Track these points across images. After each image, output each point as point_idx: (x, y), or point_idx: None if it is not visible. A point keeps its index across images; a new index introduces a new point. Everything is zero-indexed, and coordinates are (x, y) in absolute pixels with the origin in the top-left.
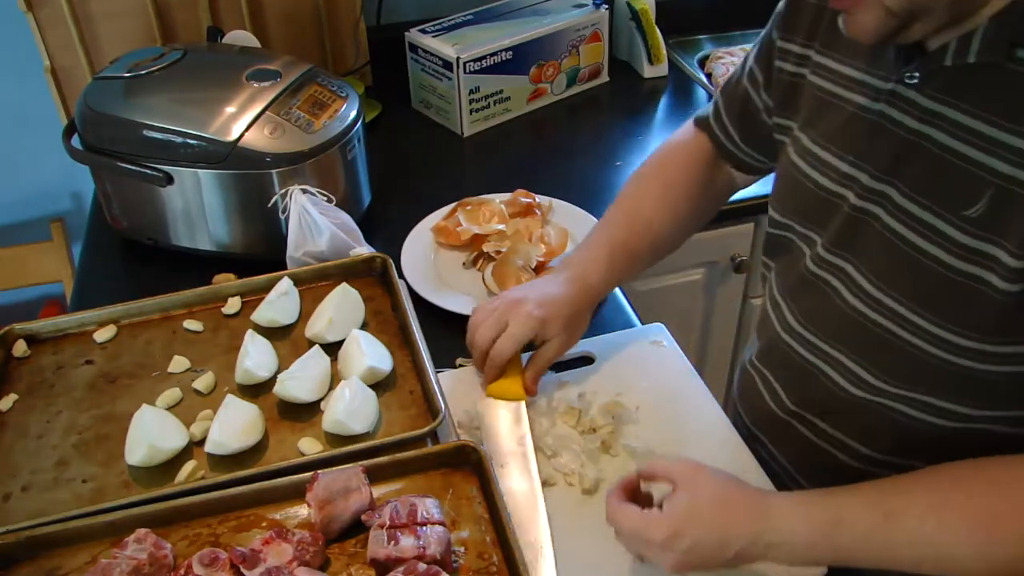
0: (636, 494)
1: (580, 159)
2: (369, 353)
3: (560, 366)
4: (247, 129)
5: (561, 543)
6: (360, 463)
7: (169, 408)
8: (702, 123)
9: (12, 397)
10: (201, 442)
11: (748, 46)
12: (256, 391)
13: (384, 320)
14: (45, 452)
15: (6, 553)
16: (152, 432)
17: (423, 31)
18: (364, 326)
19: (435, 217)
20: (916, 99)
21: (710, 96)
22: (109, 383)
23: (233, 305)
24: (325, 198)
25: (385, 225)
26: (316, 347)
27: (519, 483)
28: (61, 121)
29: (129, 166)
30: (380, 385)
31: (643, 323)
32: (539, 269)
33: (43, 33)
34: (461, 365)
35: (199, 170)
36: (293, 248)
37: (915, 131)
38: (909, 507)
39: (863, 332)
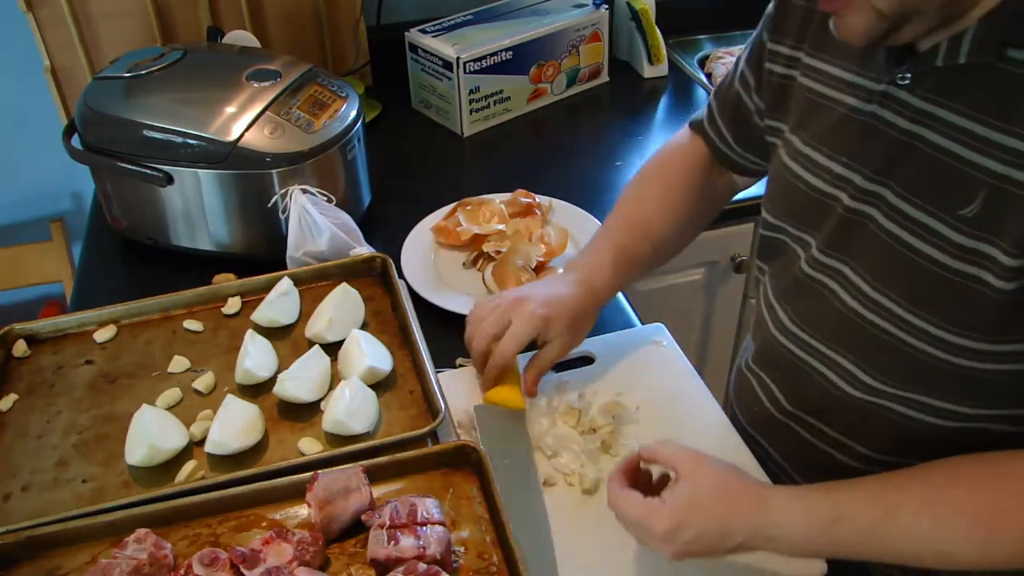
0: (636, 473)
1: (580, 159)
2: (369, 353)
3: (560, 366)
4: (247, 129)
5: (561, 543)
6: (360, 463)
7: (169, 408)
8: (697, 126)
9: (12, 397)
10: (201, 442)
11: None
12: (256, 391)
13: (384, 320)
14: (45, 452)
15: (6, 553)
16: (152, 432)
17: (423, 31)
18: (364, 326)
19: (435, 217)
20: (908, 100)
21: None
22: (109, 383)
23: (233, 305)
24: (325, 198)
25: (385, 225)
26: (316, 347)
27: (519, 483)
28: (61, 121)
29: (129, 166)
30: (380, 385)
31: (643, 323)
32: (539, 269)
33: (43, 33)
34: (461, 365)
35: (199, 170)
36: (293, 248)
37: (908, 132)
38: (907, 502)
39: (860, 333)
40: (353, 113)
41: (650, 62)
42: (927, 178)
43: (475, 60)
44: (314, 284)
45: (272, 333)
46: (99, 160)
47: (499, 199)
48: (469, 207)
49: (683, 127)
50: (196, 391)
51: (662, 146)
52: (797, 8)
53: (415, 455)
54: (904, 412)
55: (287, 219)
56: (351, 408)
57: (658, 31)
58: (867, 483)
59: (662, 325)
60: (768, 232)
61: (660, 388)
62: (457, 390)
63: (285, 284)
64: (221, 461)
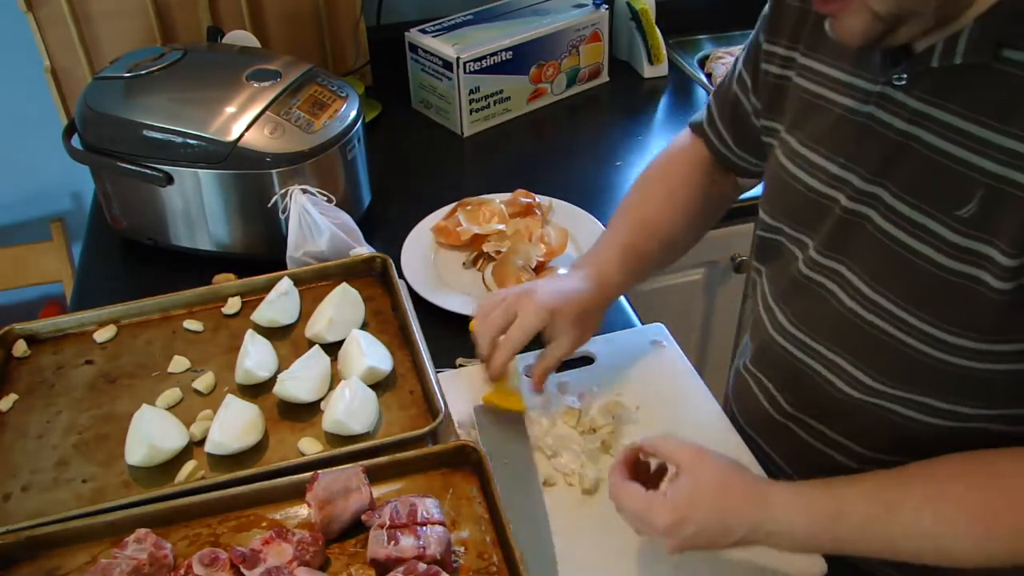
0: (636, 464)
1: (580, 159)
2: (369, 353)
3: (560, 366)
4: (247, 129)
5: (561, 543)
6: (360, 463)
7: (169, 408)
8: (697, 128)
9: (12, 397)
10: (201, 442)
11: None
12: (256, 391)
13: (384, 320)
14: (45, 452)
15: (6, 553)
16: (152, 432)
17: (423, 31)
18: (364, 326)
19: (435, 217)
20: (905, 101)
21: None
22: (109, 383)
23: (233, 305)
24: (325, 198)
25: (385, 225)
26: (316, 347)
27: (519, 483)
28: (61, 121)
29: (129, 166)
30: (380, 385)
31: (643, 323)
32: (539, 269)
33: (43, 33)
34: (461, 365)
35: (199, 170)
36: (293, 248)
37: (904, 132)
38: (907, 499)
39: (859, 334)
40: (353, 113)
41: (650, 62)
42: (924, 179)
43: (475, 60)
44: (314, 284)
45: (272, 333)
46: (99, 160)
47: (499, 199)
48: (469, 207)
49: (684, 129)
50: (196, 391)
51: (664, 149)
52: (792, 8)
53: (415, 455)
54: (903, 412)
55: (287, 219)
56: (351, 408)
57: (658, 31)
58: (868, 479)
59: (662, 325)
60: (765, 232)
61: (660, 388)
62: (457, 390)
63: (285, 284)
64: (221, 461)
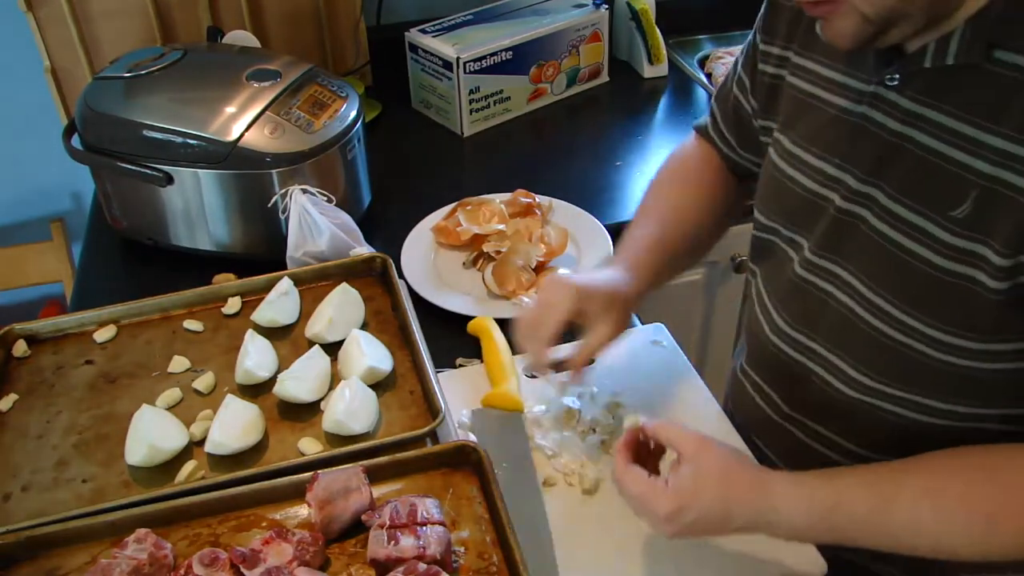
0: (638, 445)
1: (580, 159)
2: (369, 353)
3: (560, 366)
4: (247, 129)
5: (561, 543)
6: (360, 463)
7: (169, 408)
8: (702, 131)
9: (12, 397)
10: (201, 442)
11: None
12: (256, 391)
13: (384, 320)
14: (45, 452)
15: (6, 553)
16: (152, 432)
17: (423, 31)
18: (364, 326)
19: (435, 217)
20: (898, 101)
21: (710, 96)
22: (109, 383)
23: (233, 305)
24: (325, 198)
25: (385, 225)
26: (316, 347)
27: (519, 483)
28: (61, 121)
29: (129, 166)
30: (380, 385)
31: (643, 323)
32: (539, 269)
33: (43, 33)
34: (461, 365)
35: (199, 170)
36: (293, 248)
37: (898, 133)
38: (905, 492)
39: (857, 334)
40: (353, 113)
41: (650, 62)
42: (918, 179)
43: (475, 60)
44: (314, 284)
45: (272, 333)
46: (99, 160)
47: (499, 199)
48: (469, 207)
49: (689, 132)
50: (196, 391)
51: (671, 154)
52: (786, 9)
53: (415, 455)
54: (900, 412)
55: (287, 219)
56: (351, 408)
57: (658, 31)
58: (867, 471)
59: (662, 325)
60: (760, 233)
61: (660, 388)
62: (457, 390)
63: (285, 284)
64: (221, 461)
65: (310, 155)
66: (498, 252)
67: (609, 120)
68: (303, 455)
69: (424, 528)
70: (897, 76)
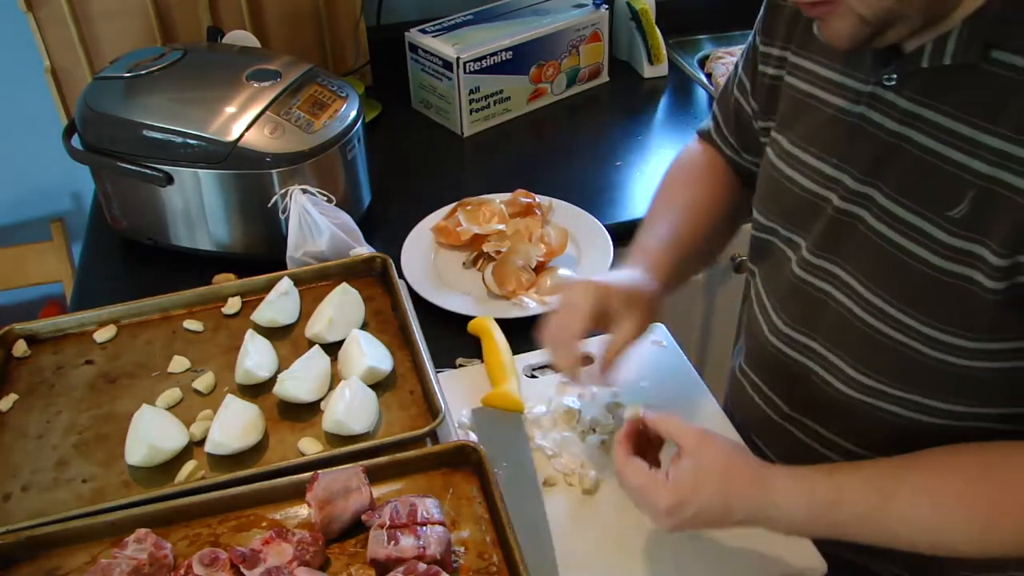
0: (639, 435)
1: (580, 159)
2: (369, 353)
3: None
4: (247, 129)
5: (561, 543)
6: (360, 463)
7: (169, 408)
8: (705, 136)
9: (12, 397)
10: (201, 442)
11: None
12: (256, 391)
13: (384, 320)
14: (45, 452)
15: (6, 553)
16: (152, 432)
17: (423, 31)
18: (364, 326)
19: (435, 217)
20: (895, 101)
21: (710, 96)
22: (109, 383)
23: (233, 305)
24: (325, 198)
25: (385, 225)
26: (316, 347)
27: (519, 483)
28: (61, 121)
29: (129, 166)
30: (380, 385)
31: None
32: (539, 269)
33: (43, 33)
34: (461, 365)
35: (199, 170)
36: (293, 248)
37: (896, 133)
38: (904, 489)
39: (855, 334)
40: (353, 113)
41: (650, 62)
42: (916, 179)
43: (475, 60)
44: (314, 284)
45: (272, 333)
46: (99, 160)
47: (499, 199)
48: (469, 207)
49: (689, 134)
50: (196, 391)
51: (675, 158)
52: (786, 9)
53: (415, 455)
54: (899, 412)
55: (287, 219)
56: (351, 408)
57: (658, 31)
58: (867, 467)
59: (662, 325)
60: (759, 233)
61: (660, 388)
62: (457, 390)
63: (285, 284)
64: (221, 461)
65: (310, 155)
66: (498, 252)
67: (609, 120)
68: (303, 455)
69: (424, 528)
70: (895, 76)
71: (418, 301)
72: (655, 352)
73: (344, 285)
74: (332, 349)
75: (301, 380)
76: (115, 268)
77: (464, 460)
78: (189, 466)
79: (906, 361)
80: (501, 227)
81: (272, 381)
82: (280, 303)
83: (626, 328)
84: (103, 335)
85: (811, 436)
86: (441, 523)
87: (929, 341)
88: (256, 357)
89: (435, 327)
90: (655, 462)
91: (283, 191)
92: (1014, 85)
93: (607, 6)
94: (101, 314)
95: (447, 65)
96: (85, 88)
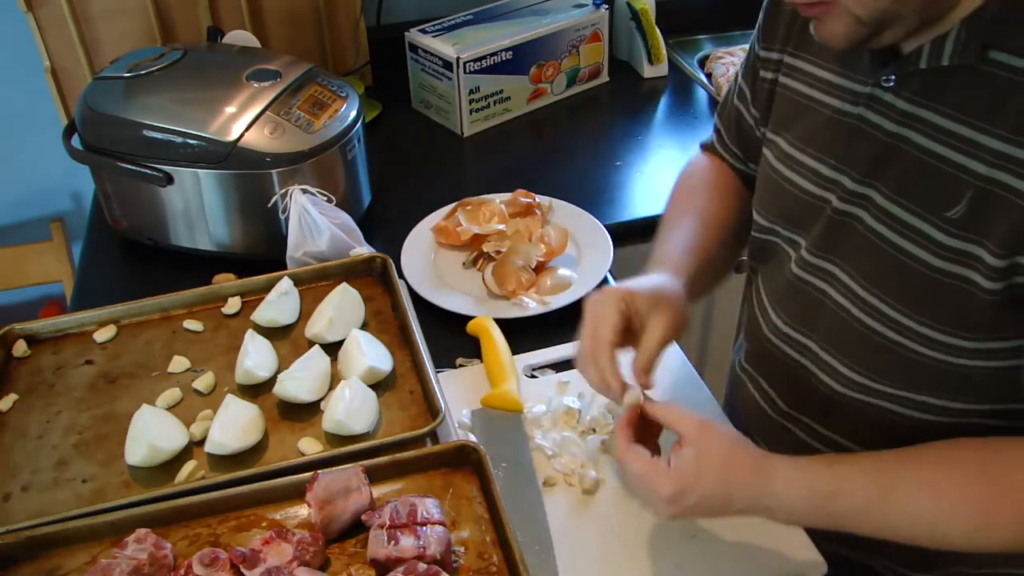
0: (640, 423)
1: (580, 159)
2: (369, 353)
3: (560, 366)
4: (247, 129)
5: (561, 543)
6: (360, 463)
7: (169, 408)
8: (709, 148)
9: (12, 397)
10: (201, 442)
11: (748, 45)
12: (256, 391)
13: (384, 320)
14: (45, 452)
15: (6, 553)
16: (152, 432)
17: (423, 31)
18: (364, 326)
19: (435, 217)
20: (894, 102)
21: (710, 96)
22: (109, 383)
23: (233, 305)
24: (325, 198)
25: (385, 225)
26: (316, 347)
27: (519, 483)
28: (61, 121)
29: (129, 166)
30: (380, 385)
31: None
32: (539, 269)
33: (43, 33)
34: (461, 365)
35: (199, 170)
36: (293, 248)
37: (894, 134)
38: (905, 481)
39: (853, 334)
40: (353, 113)
41: (650, 62)
42: (914, 180)
43: (475, 60)
44: (314, 284)
45: (272, 333)
46: (99, 160)
47: (499, 199)
48: (469, 207)
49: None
50: (196, 391)
51: (682, 171)
52: (785, 13)
53: (415, 455)
54: (898, 410)
55: (287, 219)
56: (351, 408)
57: (658, 31)
58: (868, 459)
59: None
60: (760, 234)
61: (660, 388)
62: (457, 390)
63: (285, 284)
64: (221, 461)
65: (310, 155)
66: (498, 252)
67: (609, 120)
68: (303, 455)
69: (424, 528)
70: (893, 77)
71: (418, 301)
72: None
73: (344, 285)
74: (332, 349)
75: (301, 380)
76: (115, 268)
77: (464, 460)
78: (189, 466)
79: (903, 361)
80: (501, 227)
81: (272, 381)
82: (280, 303)
83: (655, 328)
84: (103, 335)
85: (810, 434)
86: (441, 523)
87: (926, 341)
88: (256, 357)
89: (435, 327)
90: (655, 450)
91: (283, 191)
92: (1012, 86)
93: (607, 6)
94: (101, 314)
95: (447, 65)
96: (85, 88)
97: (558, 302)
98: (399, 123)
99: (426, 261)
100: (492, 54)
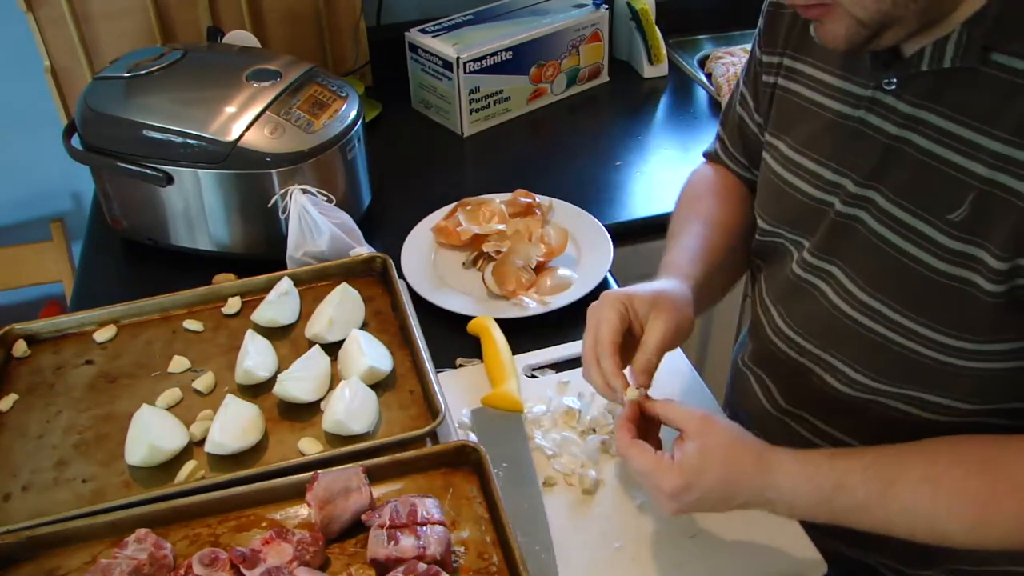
0: (641, 419)
1: (580, 159)
2: (369, 353)
3: (560, 366)
4: (247, 129)
5: (561, 543)
6: (360, 463)
7: (169, 408)
8: (713, 157)
9: (12, 397)
10: (201, 442)
11: (748, 46)
12: (256, 391)
13: (384, 320)
14: (45, 452)
15: (6, 553)
16: (152, 432)
17: (423, 31)
18: (364, 326)
19: (435, 217)
20: (895, 105)
21: (710, 96)
22: (109, 383)
23: (233, 305)
24: (325, 198)
25: (385, 225)
26: (316, 347)
27: (519, 483)
28: (61, 121)
29: (129, 166)
30: (380, 385)
31: None
32: (539, 269)
33: (43, 33)
34: (461, 365)
35: (199, 170)
36: (293, 248)
37: (896, 137)
38: (907, 477)
39: (853, 335)
40: (353, 113)
41: (650, 62)
42: (916, 182)
43: (475, 60)
44: (314, 284)
45: (272, 333)
46: (99, 160)
47: (499, 199)
48: (469, 207)
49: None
50: (196, 391)
51: (688, 179)
52: (784, 16)
53: (415, 455)
54: (900, 408)
55: (287, 219)
56: (351, 408)
57: (658, 31)
58: (870, 453)
59: None
60: (764, 237)
61: (660, 388)
62: (457, 390)
63: (285, 284)
64: (221, 461)
65: (310, 155)
66: (498, 252)
67: (609, 120)
68: (303, 455)
69: (424, 528)
70: (894, 80)
71: (418, 301)
72: None
73: (344, 285)
74: (332, 349)
75: (301, 380)
76: (115, 268)
77: (464, 460)
78: (189, 466)
79: (904, 361)
80: (501, 227)
81: (272, 381)
82: (280, 303)
83: (656, 331)
84: (103, 335)
85: (812, 431)
86: (441, 523)
87: (928, 343)
88: (256, 357)
89: (435, 327)
90: (657, 446)
91: (283, 191)
92: (1013, 88)
93: (607, 6)
94: (101, 314)
95: (447, 65)
96: (85, 88)
97: (558, 302)
98: (399, 123)
99: (426, 261)
100: (492, 54)
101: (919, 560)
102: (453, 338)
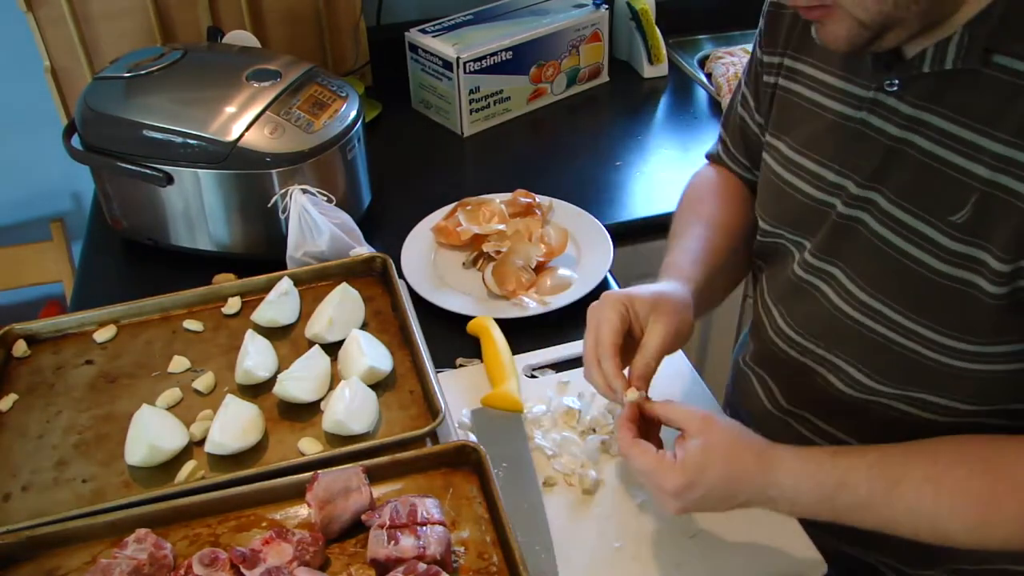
0: (641, 418)
1: (580, 159)
2: (369, 353)
3: (560, 366)
4: (247, 129)
5: (561, 543)
6: (360, 463)
7: (169, 408)
8: (715, 159)
9: (12, 397)
10: (201, 442)
11: (748, 46)
12: (256, 391)
13: (384, 320)
14: (45, 452)
15: (6, 553)
16: (152, 432)
17: (423, 31)
18: (364, 326)
19: (435, 217)
20: (897, 106)
21: (710, 96)
22: (109, 383)
23: (233, 305)
24: (325, 198)
25: (385, 225)
26: (316, 347)
27: (519, 483)
28: (61, 121)
29: (129, 166)
30: (380, 385)
31: None
32: (539, 269)
33: (43, 33)
34: (461, 365)
35: (199, 170)
36: (293, 248)
37: (898, 138)
38: (908, 477)
39: (854, 336)
40: (353, 113)
41: (650, 62)
42: (918, 184)
43: (475, 60)
44: (314, 284)
45: (272, 333)
46: (99, 160)
47: (499, 199)
48: (469, 207)
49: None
50: (196, 391)
51: (690, 181)
52: (785, 17)
53: (415, 455)
54: (901, 408)
55: (287, 219)
56: (351, 408)
57: (658, 31)
58: (873, 452)
59: None
60: (766, 238)
61: (660, 388)
62: (457, 390)
63: (285, 284)
64: (221, 461)
65: (310, 155)
66: (498, 252)
67: (609, 120)
68: (303, 455)
69: (424, 528)
70: (896, 81)
71: (418, 301)
72: None
73: (344, 285)
74: (332, 349)
75: (301, 380)
76: (115, 268)
77: (464, 460)
78: (189, 466)
79: (906, 362)
80: (501, 227)
81: (272, 381)
82: (280, 303)
83: (656, 334)
84: (103, 335)
85: (813, 431)
86: (441, 523)
87: (930, 344)
88: (256, 357)
89: (435, 327)
90: (657, 444)
91: (283, 191)
92: (1015, 89)
93: (607, 6)
94: (101, 314)
95: (447, 65)
96: (85, 88)
97: (558, 302)
98: (399, 123)
99: (426, 261)
100: (492, 54)
101: (920, 559)
102: (453, 338)
